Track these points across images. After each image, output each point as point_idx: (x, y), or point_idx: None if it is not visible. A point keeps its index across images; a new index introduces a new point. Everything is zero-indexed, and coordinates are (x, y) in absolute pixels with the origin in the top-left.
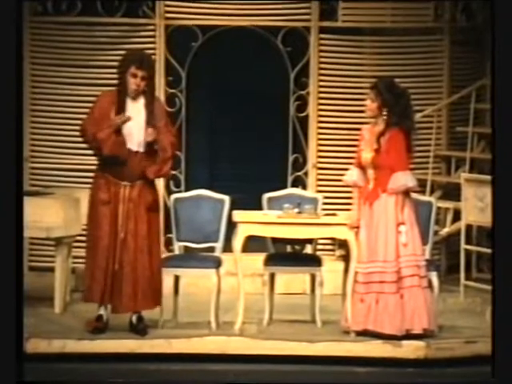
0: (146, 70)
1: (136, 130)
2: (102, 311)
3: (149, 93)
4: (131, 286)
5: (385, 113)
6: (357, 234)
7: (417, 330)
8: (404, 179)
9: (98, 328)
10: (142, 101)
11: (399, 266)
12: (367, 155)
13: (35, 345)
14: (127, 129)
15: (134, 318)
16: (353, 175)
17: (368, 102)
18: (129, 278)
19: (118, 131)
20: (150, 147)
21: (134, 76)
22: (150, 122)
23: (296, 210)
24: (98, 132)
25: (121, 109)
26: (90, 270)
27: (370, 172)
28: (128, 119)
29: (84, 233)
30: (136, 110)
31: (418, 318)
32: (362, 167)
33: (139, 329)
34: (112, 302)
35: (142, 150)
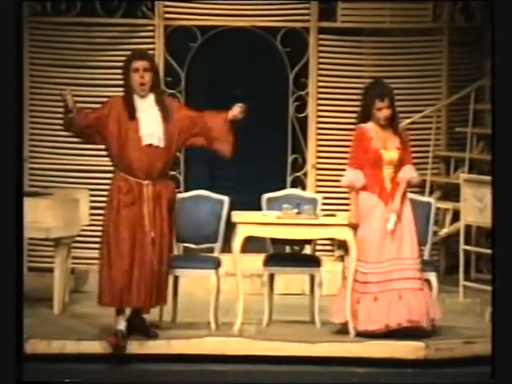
0: (146, 60)
1: (154, 126)
2: (121, 326)
3: (157, 88)
4: (161, 282)
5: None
6: (356, 234)
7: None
8: (414, 171)
9: (120, 346)
10: (151, 97)
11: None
12: (393, 153)
13: (34, 345)
14: (145, 128)
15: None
16: (349, 176)
17: (385, 112)
18: (158, 275)
19: (135, 132)
20: (169, 142)
21: (136, 70)
22: (166, 116)
23: (295, 210)
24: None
25: (131, 108)
26: (111, 274)
27: (388, 171)
28: (68, 94)
29: (83, 233)
30: (147, 106)
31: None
32: (374, 167)
33: (150, 331)
34: (143, 301)
35: (162, 144)
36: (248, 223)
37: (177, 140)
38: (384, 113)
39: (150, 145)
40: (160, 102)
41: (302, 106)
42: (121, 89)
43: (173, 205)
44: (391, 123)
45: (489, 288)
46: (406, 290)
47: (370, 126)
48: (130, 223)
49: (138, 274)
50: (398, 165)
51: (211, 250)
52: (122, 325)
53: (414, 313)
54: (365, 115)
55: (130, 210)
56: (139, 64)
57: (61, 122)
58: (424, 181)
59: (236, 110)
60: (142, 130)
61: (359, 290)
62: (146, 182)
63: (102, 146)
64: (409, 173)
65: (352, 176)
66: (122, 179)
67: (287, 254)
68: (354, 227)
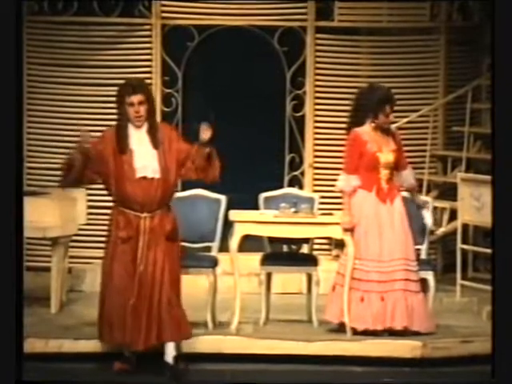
0: (140, 93)
1: (148, 158)
2: (128, 352)
3: (150, 117)
4: (151, 318)
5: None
6: (352, 234)
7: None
8: (412, 176)
9: (126, 370)
10: (146, 127)
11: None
12: (388, 156)
13: (32, 344)
14: (139, 161)
15: (170, 358)
16: (350, 182)
17: (391, 117)
18: (148, 310)
19: (129, 165)
20: (166, 172)
21: (131, 104)
22: (156, 146)
23: (292, 209)
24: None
25: (122, 141)
26: (110, 309)
27: (385, 173)
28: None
29: (80, 233)
30: (141, 136)
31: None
32: (371, 170)
33: (178, 371)
34: (133, 338)
35: (157, 175)
36: (245, 222)
37: (176, 170)
38: (391, 118)
39: (145, 177)
40: (154, 132)
41: (299, 105)
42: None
43: (174, 236)
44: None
45: (486, 287)
46: (410, 292)
47: (363, 130)
48: (127, 258)
49: (134, 310)
50: (394, 167)
51: (208, 249)
52: (128, 351)
53: (415, 316)
54: (359, 119)
55: (128, 245)
56: (133, 98)
57: (58, 121)
58: (421, 180)
59: (201, 134)
60: (135, 162)
61: (362, 288)
62: (143, 215)
63: None
64: (409, 180)
65: (344, 182)
66: (120, 213)
67: (284, 253)
68: (349, 231)
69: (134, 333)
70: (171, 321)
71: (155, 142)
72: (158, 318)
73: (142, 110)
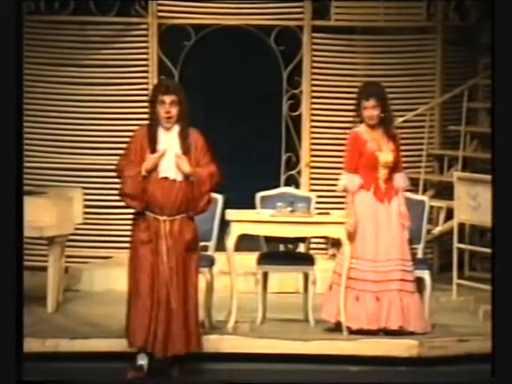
0: (173, 93)
1: (173, 159)
2: (142, 361)
3: (182, 120)
4: (175, 327)
5: (382, 115)
6: (350, 234)
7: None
8: (406, 178)
9: (139, 379)
10: (176, 130)
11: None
12: (388, 155)
13: (28, 344)
14: (164, 162)
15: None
16: (353, 181)
17: (370, 111)
18: (172, 318)
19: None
20: (189, 177)
21: (163, 102)
22: (185, 150)
23: (289, 208)
24: (125, 187)
25: (153, 142)
26: (135, 314)
27: (383, 172)
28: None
29: (77, 232)
30: (170, 138)
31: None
32: (370, 169)
33: (172, 376)
34: (157, 345)
35: (179, 178)
36: (242, 221)
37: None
38: (369, 112)
39: (166, 178)
40: (183, 135)
41: (295, 104)
42: (115, 87)
43: (193, 246)
44: (382, 125)
45: (482, 286)
46: (406, 293)
47: (362, 129)
48: (148, 262)
49: (158, 315)
50: (393, 167)
51: (205, 248)
52: (143, 360)
53: (410, 316)
54: (358, 118)
55: (148, 248)
56: (166, 98)
57: (55, 120)
58: (418, 179)
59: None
60: (161, 168)
61: (357, 287)
62: (163, 218)
63: (97, 145)
64: (404, 181)
65: (347, 181)
66: (141, 216)
67: (281, 253)
68: (352, 232)
69: (161, 340)
70: (174, 333)
71: (184, 146)
72: (169, 327)
73: (173, 111)
